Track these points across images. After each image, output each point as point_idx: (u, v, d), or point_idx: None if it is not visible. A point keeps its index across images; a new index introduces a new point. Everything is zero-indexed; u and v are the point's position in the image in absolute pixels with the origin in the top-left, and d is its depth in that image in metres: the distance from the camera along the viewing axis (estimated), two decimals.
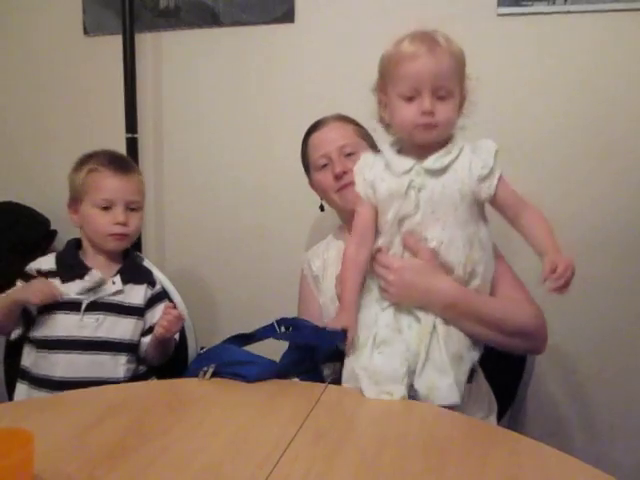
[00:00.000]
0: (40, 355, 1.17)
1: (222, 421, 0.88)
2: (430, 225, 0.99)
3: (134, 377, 1.20)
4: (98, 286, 1.20)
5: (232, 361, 1.01)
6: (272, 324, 1.09)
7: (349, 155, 1.23)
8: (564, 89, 1.51)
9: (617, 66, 1.47)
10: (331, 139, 1.26)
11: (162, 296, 1.29)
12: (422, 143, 1.00)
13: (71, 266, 1.22)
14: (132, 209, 1.25)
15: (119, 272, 1.24)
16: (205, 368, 1.00)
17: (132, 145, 1.70)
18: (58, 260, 1.24)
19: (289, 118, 1.69)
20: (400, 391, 0.93)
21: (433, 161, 0.99)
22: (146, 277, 1.28)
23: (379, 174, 1.04)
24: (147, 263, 1.36)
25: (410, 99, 0.97)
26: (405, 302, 1.00)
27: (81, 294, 1.18)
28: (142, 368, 1.24)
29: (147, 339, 1.22)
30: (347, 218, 1.25)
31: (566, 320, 1.55)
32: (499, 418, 1.23)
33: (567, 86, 1.51)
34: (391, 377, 0.94)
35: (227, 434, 0.83)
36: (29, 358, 1.19)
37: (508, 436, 0.85)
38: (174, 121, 1.83)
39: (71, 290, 1.18)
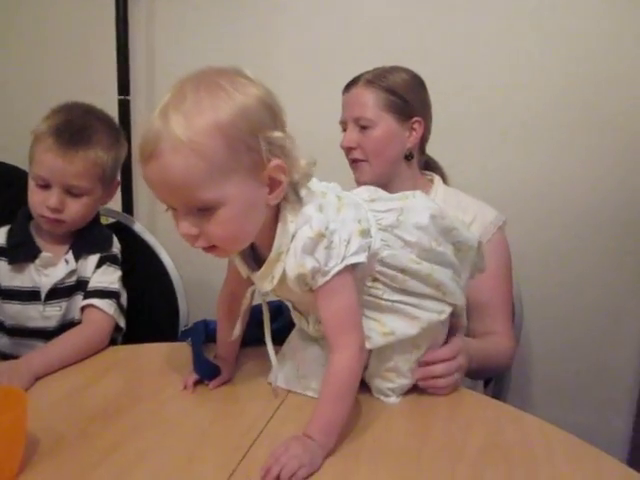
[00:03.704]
0: (15, 341, 1.09)
1: None
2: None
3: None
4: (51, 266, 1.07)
5: (214, 329, 1.01)
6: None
7: (364, 128, 1.14)
8: (561, 64, 1.49)
9: (617, 38, 1.45)
10: (350, 106, 1.17)
11: (111, 259, 1.12)
12: None
13: (21, 244, 1.08)
14: (73, 194, 1.06)
15: (71, 247, 1.10)
16: (189, 339, 1.00)
17: (124, 107, 1.67)
18: (9, 235, 1.10)
19: (290, 81, 1.66)
20: None
21: (260, 281, 0.78)
22: (100, 245, 1.12)
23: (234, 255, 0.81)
24: (131, 222, 1.35)
25: (174, 212, 0.72)
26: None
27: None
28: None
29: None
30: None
31: (553, 295, 1.58)
32: (484, 387, 1.26)
33: (565, 61, 1.49)
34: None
35: (216, 398, 0.85)
36: (0, 340, 1.10)
37: (491, 404, 0.87)
38: (167, 83, 1.77)
39: (23, 278, 1.07)
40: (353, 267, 0.74)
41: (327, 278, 0.72)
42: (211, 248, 0.71)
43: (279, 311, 1.04)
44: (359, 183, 1.16)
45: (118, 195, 1.67)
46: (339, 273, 0.73)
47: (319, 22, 1.63)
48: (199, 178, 0.65)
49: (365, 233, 0.76)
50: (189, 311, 1.32)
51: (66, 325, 1.07)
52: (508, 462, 0.71)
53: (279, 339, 0.95)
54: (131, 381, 0.90)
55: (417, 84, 1.17)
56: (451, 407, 0.83)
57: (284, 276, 0.75)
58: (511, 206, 1.50)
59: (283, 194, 0.72)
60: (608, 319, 1.57)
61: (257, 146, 0.68)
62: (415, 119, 1.15)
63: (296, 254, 0.72)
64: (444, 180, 1.23)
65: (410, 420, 0.79)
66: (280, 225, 0.74)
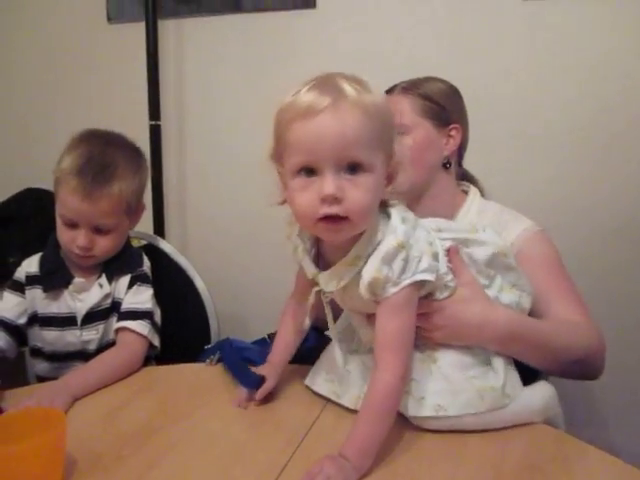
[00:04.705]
0: (54, 366, 1.12)
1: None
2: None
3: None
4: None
5: (238, 347, 1.03)
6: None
7: (401, 135, 1.07)
8: (587, 75, 1.48)
9: (637, 46, 1.43)
10: None
11: (141, 279, 1.13)
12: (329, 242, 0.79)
13: (54, 272, 1.10)
14: (101, 231, 1.07)
15: (104, 270, 1.11)
16: (212, 356, 1.02)
17: (155, 132, 1.71)
18: (42, 263, 1.12)
19: None
20: (348, 399, 0.85)
21: (327, 281, 0.79)
22: (131, 265, 1.14)
23: (298, 253, 0.85)
24: (163, 243, 1.37)
25: (310, 176, 0.71)
26: (455, 342, 0.83)
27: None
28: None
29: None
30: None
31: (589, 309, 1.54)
32: None
33: (589, 68, 1.48)
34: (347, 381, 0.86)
35: (248, 418, 0.85)
36: (40, 365, 1.13)
37: (528, 424, 0.84)
38: (197, 108, 1.83)
39: (59, 305, 1.09)
40: (420, 285, 0.76)
41: (396, 289, 0.74)
42: (338, 221, 0.70)
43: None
44: (395, 193, 1.15)
45: (150, 217, 1.70)
46: (407, 287, 0.74)
47: (347, 37, 1.65)
48: (368, 136, 0.69)
49: (435, 256, 0.78)
50: (220, 331, 1.33)
51: (104, 347, 1.09)
52: None
53: (303, 363, 0.97)
54: (165, 401, 0.91)
55: (453, 92, 1.16)
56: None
57: (353, 281, 0.76)
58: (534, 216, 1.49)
59: (391, 191, 0.77)
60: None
61: (391, 139, 0.74)
62: (452, 126, 1.12)
63: (376, 260, 0.73)
64: (481, 193, 1.20)
65: (444, 442, 0.78)
66: (368, 231, 0.75)
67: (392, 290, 0.74)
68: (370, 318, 0.82)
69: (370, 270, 0.73)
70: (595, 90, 1.48)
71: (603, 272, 1.53)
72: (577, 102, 1.50)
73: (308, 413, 0.85)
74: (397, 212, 0.77)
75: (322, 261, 0.82)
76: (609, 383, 1.55)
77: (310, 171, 0.70)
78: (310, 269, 0.82)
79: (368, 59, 1.63)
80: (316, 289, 0.83)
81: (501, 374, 0.82)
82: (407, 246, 0.74)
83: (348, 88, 0.70)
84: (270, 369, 0.91)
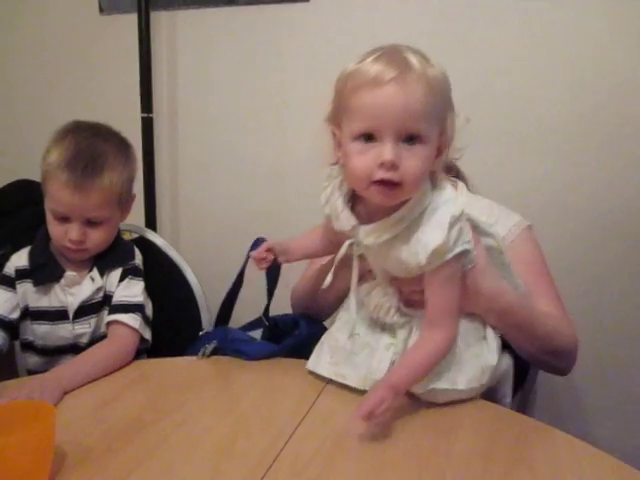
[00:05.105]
0: (46, 360, 1.11)
1: (234, 399, 0.90)
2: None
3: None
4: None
5: (233, 339, 1.03)
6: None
7: None
8: (578, 68, 1.48)
9: (630, 45, 1.44)
10: None
11: (133, 272, 1.13)
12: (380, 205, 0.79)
13: (44, 265, 1.09)
14: (94, 223, 1.06)
15: (95, 263, 1.11)
16: (206, 346, 1.01)
17: (147, 125, 1.70)
18: (31, 257, 1.10)
19: (304, 98, 1.68)
20: (355, 379, 0.87)
21: (366, 234, 0.81)
22: (122, 259, 1.13)
23: (336, 206, 0.86)
24: (154, 237, 1.37)
25: (368, 142, 0.75)
26: (466, 310, 0.87)
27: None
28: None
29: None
30: None
31: (578, 306, 1.55)
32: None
33: (581, 65, 1.48)
34: (352, 362, 0.89)
35: (239, 412, 0.85)
36: (31, 359, 1.13)
37: (518, 418, 0.85)
38: (189, 100, 1.83)
39: (50, 299, 1.09)
40: (461, 256, 0.80)
41: (449, 256, 0.77)
42: (392, 186, 0.74)
43: (295, 325, 1.04)
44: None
45: (141, 211, 1.70)
46: (456, 256, 0.78)
47: (340, 31, 1.65)
48: (429, 110, 0.73)
49: (470, 232, 0.83)
50: (212, 325, 1.33)
51: (97, 341, 1.08)
52: (535, 478, 0.70)
53: (296, 355, 0.98)
54: (155, 395, 0.91)
55: None
56: (476, 422, 0.82)
57: (393, 240, 0.79)
58: (526, 213, 1.50)
59: (441, 165, 0.80)
60: (631, 330, 1.54)
61: (447, 115, 0.77)
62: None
63: (442, 228, 0.76)
64: (467, 186, 1.20)
65: (434, 436, 0.78)
66: (415, 197, 0.78)
67: (444, 258, 0.77)
68: (393, 282, 0.86)
69: (436, 238, 0.76)
70: (589, 87, 1.48)
71: (592, 269, 1.55)
72: (570, 99, 1.50)
73: (298, 406, 0.85)
74: (450, 183, 0.81)
75: (358, 216, 0.84)
76: (599, 379, 1.58)
77: (369, 137, 0.74)
78: (349, 221, 0.83)
79: (361, 52, 1.62)
80: (349, 241, 0.85)
81: (494, 350, 0.88)
82: (463, 216, 0.78)
83: (414, 61, 0.73)
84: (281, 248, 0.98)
